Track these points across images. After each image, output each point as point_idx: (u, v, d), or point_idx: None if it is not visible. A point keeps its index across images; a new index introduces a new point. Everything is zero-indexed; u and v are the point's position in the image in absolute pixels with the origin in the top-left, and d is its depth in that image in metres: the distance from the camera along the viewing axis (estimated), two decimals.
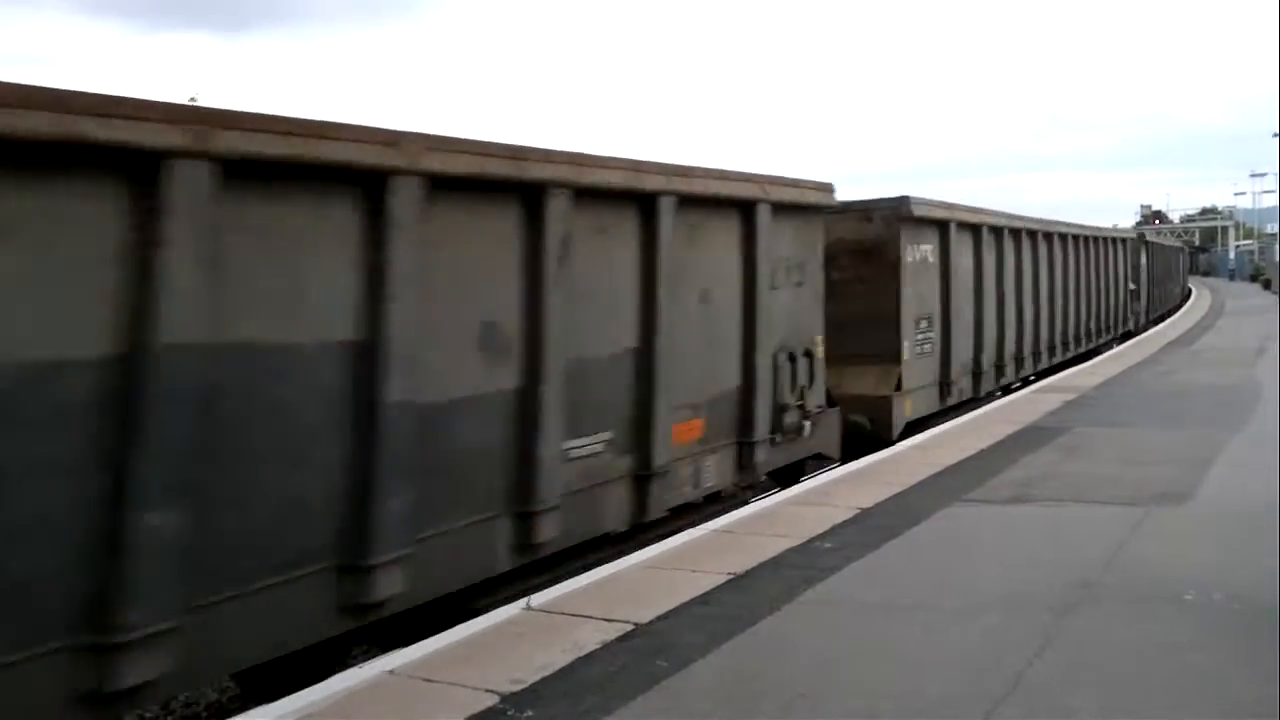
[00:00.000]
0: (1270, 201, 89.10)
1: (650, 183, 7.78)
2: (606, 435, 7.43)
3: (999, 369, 16.44)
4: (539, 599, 6.13)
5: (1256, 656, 4.96)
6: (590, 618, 5.76)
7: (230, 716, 4.64)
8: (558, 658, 5.15)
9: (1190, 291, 51.15)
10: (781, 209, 9.54)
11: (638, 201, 7.74)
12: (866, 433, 11.97)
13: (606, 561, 7.10)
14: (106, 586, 4.31)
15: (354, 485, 5.40)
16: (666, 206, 7.88)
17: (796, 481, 10.10)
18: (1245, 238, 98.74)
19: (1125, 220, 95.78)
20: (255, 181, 4.92)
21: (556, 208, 6.74)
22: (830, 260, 11.26)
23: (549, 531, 6.73)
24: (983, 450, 10.82)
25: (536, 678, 4.91)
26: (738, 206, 8.99)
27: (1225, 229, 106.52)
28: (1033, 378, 18.35)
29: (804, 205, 10.10)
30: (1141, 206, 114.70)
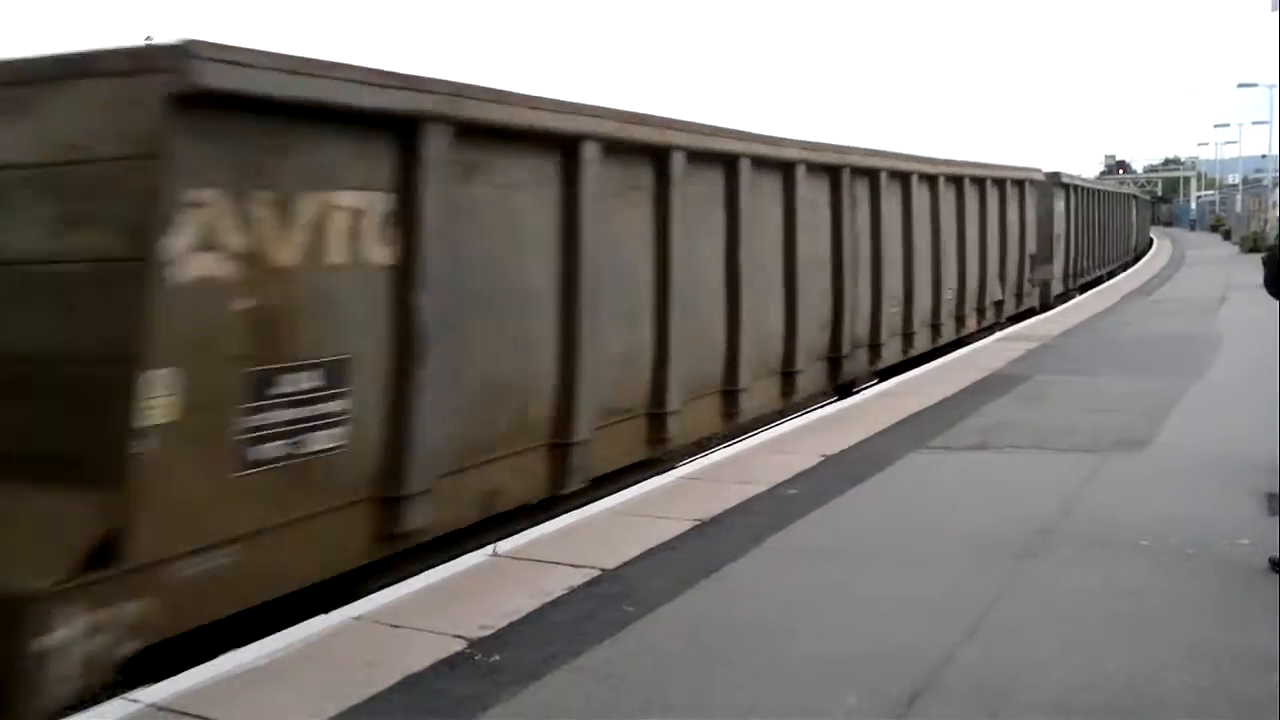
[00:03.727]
0: (1231, 152, 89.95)
1: None
2: None
3: (654, 422, 7.91)
4: (505, 545, 6.16)
5: (1211, 600, 5.08)
6: (557, 564, 5.79)
7: (199, 664, 4.62)
8: (525, 603, 5.18)
9: (1151, 242, 51.44)
10: None
11: None
12: None
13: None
14: None
15: None
16: None
17: None
18: (1207, 188, 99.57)
19: (1090, 170, 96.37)
20: None
21: None
22: None
23: None
24: (946, 398, 10.92)
25: (504, 623, 4.95)
26: None
27: (1187, 179, 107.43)
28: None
29: None
30: (1106, 157, 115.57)
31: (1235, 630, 4.65)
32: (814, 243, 10.53)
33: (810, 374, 10.50)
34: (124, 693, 4.35)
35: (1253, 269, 28.65)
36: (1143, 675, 4.23)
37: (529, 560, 5.91)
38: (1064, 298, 23.59)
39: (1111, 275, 32.00)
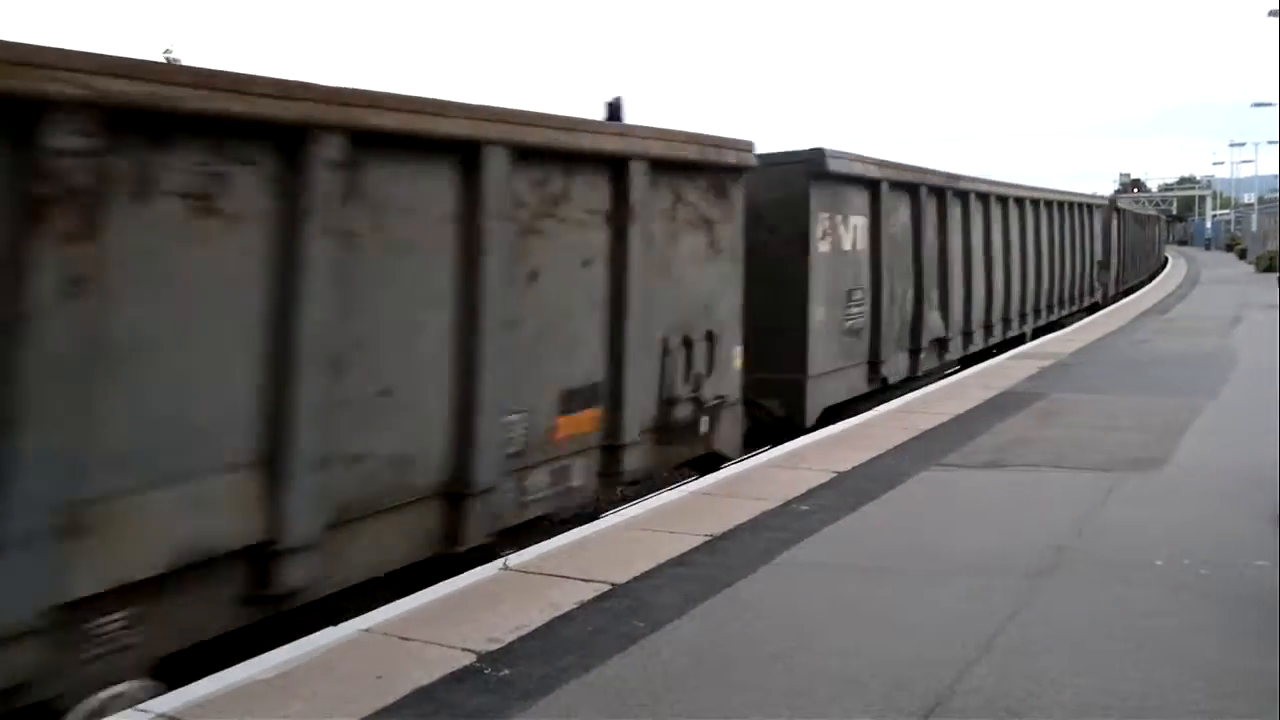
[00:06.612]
0: (1247, 171, 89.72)
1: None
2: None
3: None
4: (516, 559, 6.15)
5: (1224, 621, 5.04)
6: (567, 578, 5.78)
7: (213, 673, 4.64)
8: (535, 617, 5.17)
9: (1166, 260, 51.58)
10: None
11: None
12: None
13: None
14: None
15: None
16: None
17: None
18: (1222, 207, 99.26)
19: (1105, 188, 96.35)
20: None
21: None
22: None
23: None
24: (959, 415, 10.89)
25: (513, 637, 4.94)
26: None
27: (1203, 198, 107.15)
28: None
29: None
30: (1120, 175, 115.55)
31: (1248, 653, 4.60)
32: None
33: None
34: (135, 704, 4.36)
35: (1268, 288, 28.46)
36: (1155, 695, 4.20)
37: (539, 574, 5.90)
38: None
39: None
